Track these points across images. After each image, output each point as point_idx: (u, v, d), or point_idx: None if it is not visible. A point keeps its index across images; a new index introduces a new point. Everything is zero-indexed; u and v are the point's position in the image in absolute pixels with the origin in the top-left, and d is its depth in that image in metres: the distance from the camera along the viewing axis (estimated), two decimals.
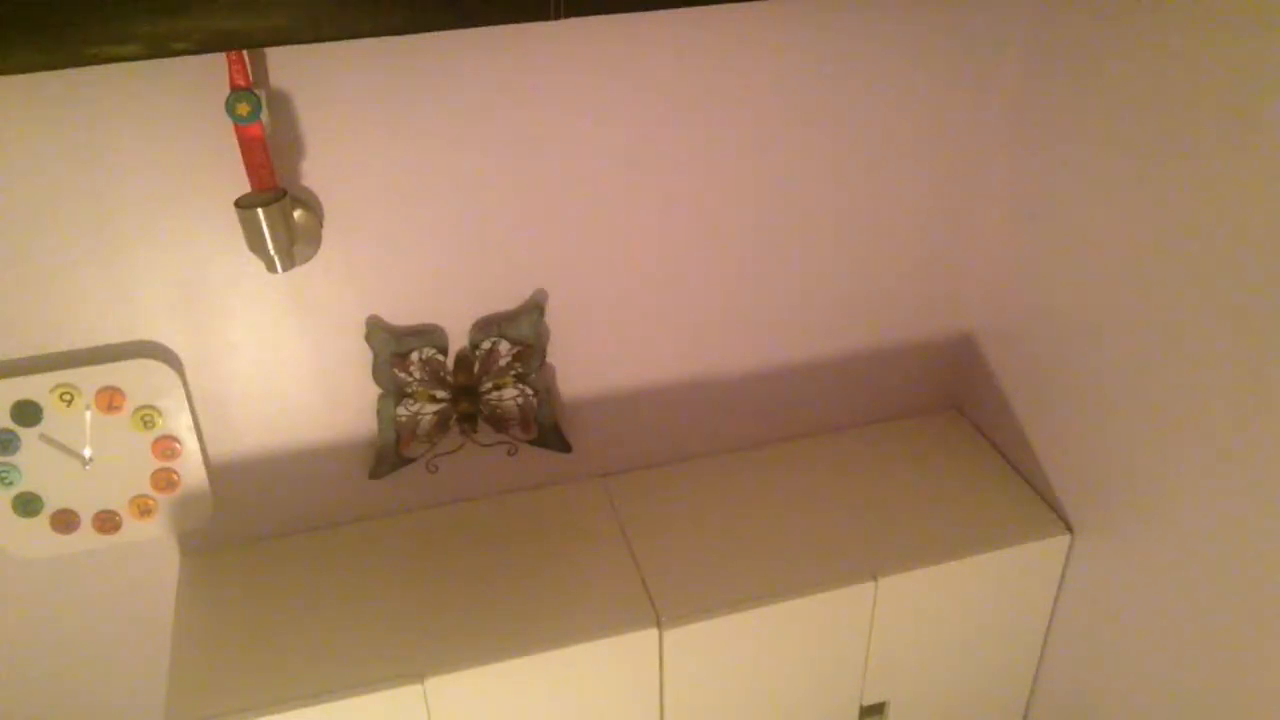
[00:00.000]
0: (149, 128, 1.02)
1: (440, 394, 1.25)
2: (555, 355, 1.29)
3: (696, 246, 1.27)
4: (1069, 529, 1.30)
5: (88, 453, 1.16)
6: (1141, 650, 1.21)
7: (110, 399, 1.13)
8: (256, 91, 1.00)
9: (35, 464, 1.14)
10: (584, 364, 1.31)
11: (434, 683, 1.12)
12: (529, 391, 1.28)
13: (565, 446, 1.34)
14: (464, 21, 0.86)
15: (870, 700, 1.35)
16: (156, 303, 1.12)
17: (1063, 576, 1.34)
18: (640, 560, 1.26)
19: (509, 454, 1.34)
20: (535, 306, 1.24)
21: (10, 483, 1.14)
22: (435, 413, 1.26)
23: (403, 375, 1.22)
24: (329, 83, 1.04)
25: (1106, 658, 1.28)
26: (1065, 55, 1.18)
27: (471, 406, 1.25)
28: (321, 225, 1.12)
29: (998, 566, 1.29)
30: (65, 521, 1.18)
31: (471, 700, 1.15)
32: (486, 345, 1.23)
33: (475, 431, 1.28)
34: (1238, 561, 1.05)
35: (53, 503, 1.17)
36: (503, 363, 1.25)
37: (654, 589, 1.22)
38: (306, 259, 1.13)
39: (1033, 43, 1.23)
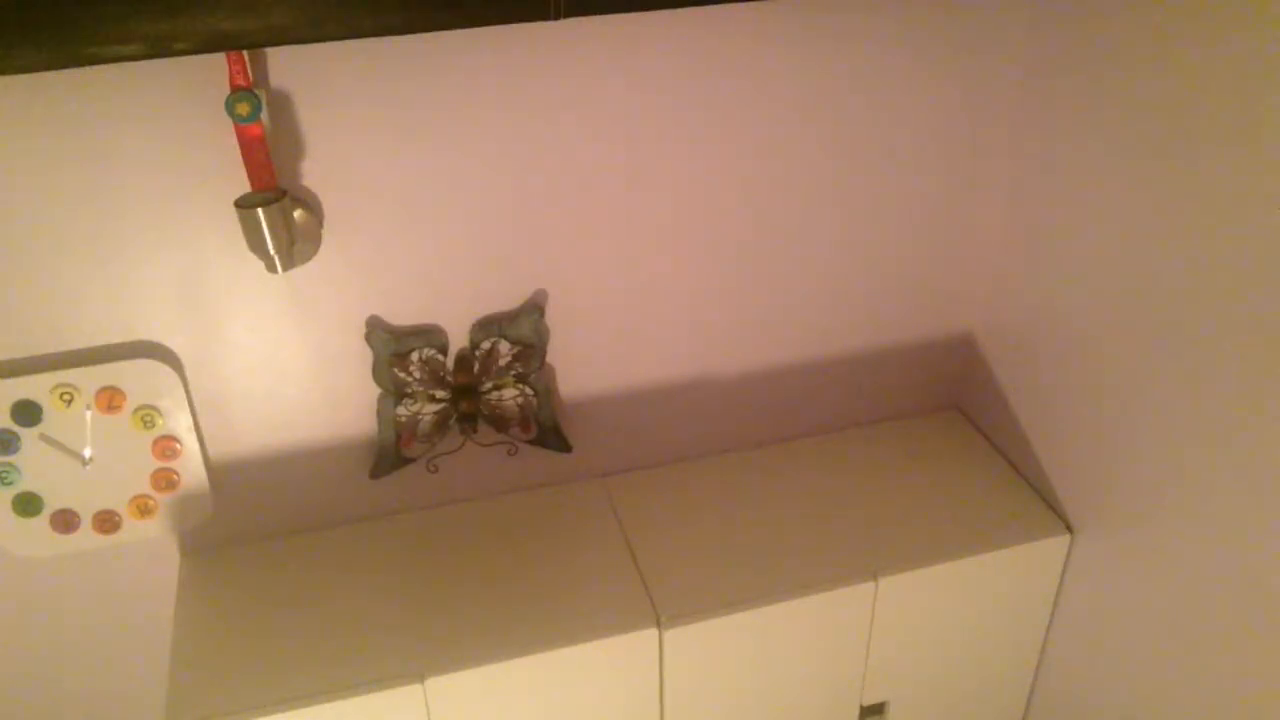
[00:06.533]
0: (149, 128, 1.02)
1: (440, 394, 1.25)
2: (555, 355, 1.29)
3: (697, 247, 1.27)
4: (1069, 529, 1.30)
5: (88, 453, 1.15)
6: (1141, 650, 1.21)
7: (110, 399, 1.13)
8: (256, 91, 1.00)
9: (35, 464, 1.14)
10: (584, 364, 1.31)
11: (434, 683, 1.12)
12: (529, 391, 1.28)
13: (565, 446, 1.34)
14: (464, 21, 0.86)
15: (870, 700, 1.35)
16: (156, 303, 1.12)
17: (1063, 576, 1.34)
18: (640, 560, 1.26)
19: (509, 454, 1.34)
20: (535, 306, 1.24)
21: (10, 483, 1.14)
22: (435, 413, 1.26)
23: (403, 375, 1.22)
24: (329, 83, 1.04)
25: (1106, 658, 1.28)
26: (1067, 56, 1.18)
27: (471, 406, 1.25)
28: (321, 225, 1.12)
29: (998, 566, 1.29)
30: (65, 521, 1.18)
31: (471, 700, 1.15)
32: (486, 345, 1.23)
33: (475, 431, 1.28)
34: (1237, 561, 1.05)
35: (53, 503, 1.17)
36: (503, 363, 1.25)
37: (654, 589, 1.22)
38: (306, 259, 1.13)
39: (1034, 44, 1.23)
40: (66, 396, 1.12)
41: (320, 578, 1.25)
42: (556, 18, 0.88)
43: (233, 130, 1.03)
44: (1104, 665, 1.29)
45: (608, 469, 1.41)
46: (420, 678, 1.12)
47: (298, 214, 1.08)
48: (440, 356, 1.23)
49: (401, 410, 1.25)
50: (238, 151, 1.04)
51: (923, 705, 1.39)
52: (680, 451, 1.43)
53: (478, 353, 1.24)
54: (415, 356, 1.22)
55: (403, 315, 1.21)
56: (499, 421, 1.29)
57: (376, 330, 1.20)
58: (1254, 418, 1.01)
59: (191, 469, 1.20)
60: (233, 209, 1.08)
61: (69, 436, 1.14)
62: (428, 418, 1.26)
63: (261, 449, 1.25)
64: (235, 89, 0.98)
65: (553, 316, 1.26)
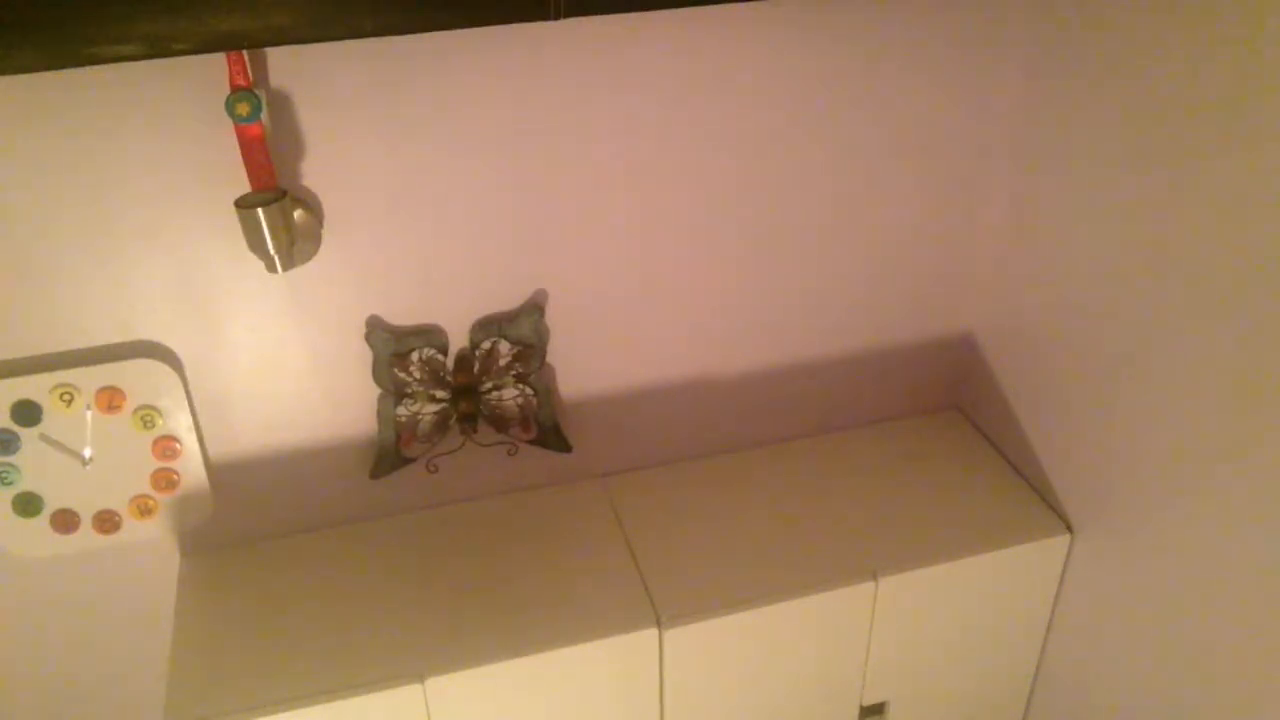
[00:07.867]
0: (149, 128, 1.02)
1: (440, 394, 1.25)
2: (555, 355, 1.29)
3: (697, 246, 1.27)
4: (1069, 529, 1.30)
5: (88, 453, 1.15)
6: (1141, 650, 1.21)
7: (110, 399, 1.13)
8: (256, 91, 1.00)
9: (35, 464, 1.14)
10: (584, 364, 1.31)
11: (434, 683, 1.12)
12: (529, 391, 1.28)
13: (565, 446, 1.34)
14: (464, 21, 0.86)
15: (870, 700, 1.35)
16: (156, 303, 1.12)
17: (1063, 576, 1.34)
18: (640, 560, 1.26)
19: (509, 454, 1.34)
20: (535, 306, 1.24)
21: (10, 483, 1.14)
22: (435, 413, 1.26)
23: (403, 375, 1.22)
24: (329, 83, 1.04)
25: (1106, 658, 1.28)
26: (1068, 56, 1.18)
27: (471, 406, 1.25)
28: (321, 225, 1.12)
29: (998, 566, 1.29)
30: (65, 521, 1.18)
31: (471, 700, 1.15)
32: (486, 345, 1.23)
33: (475, 431, 1.28)
34: (1237, 561, 1.05)
35: (53, 503, 1.17)
36: (503, 363, 1.25)
37: (654, 589, 1.22)
38: (306, 259, 1.13)
39: (1034, 45, 1.23)
40: (66, 396, 1.12)
41: (320, 578, 1.25)
42: (556, 18, 0.88)
43: (233, 130, 1.03)
44: (1104, 665, 1.29)
45: (608, 469, 1.41)
46: (420, 678, 1.12)
47: (298, 214, 1.08)
48: (440, 356, 1.23)
49: (401, 410, 1.25)
50: (238, 151, 1.04)
51: (923, 705, 1.39)
52: (680, 451, 1.43)
53: (478, 353, 1.24)
54: (415, 356, 1.22)
55: (403, 315, 1.21)
56: (499, 421, 1.29)
57: (376, 330, 1.20)
58: (1254, 417, 1.01)
59: (191, 469, 1.20)
60: (233, 209, 1.07)
61: (69, 436, 1.14)
62: (428, 418, 1.26)
63: (261, 449, 1.25)
64: (235, 89, 0.98)
65: (553, 316, 1.26)
